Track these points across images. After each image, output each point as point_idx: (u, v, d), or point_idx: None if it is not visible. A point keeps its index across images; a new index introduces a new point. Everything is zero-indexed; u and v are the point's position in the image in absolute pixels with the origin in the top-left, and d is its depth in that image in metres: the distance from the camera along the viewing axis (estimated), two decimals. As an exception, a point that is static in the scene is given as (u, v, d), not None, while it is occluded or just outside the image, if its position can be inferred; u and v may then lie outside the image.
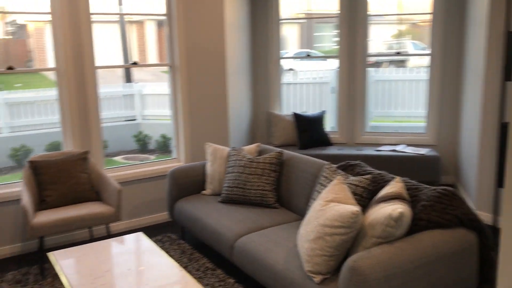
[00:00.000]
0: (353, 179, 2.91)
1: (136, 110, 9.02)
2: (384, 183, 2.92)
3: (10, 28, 11.66)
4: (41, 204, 3.68)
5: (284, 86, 7.36)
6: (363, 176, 2.89)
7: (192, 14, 4.51)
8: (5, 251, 3.90)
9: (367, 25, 5.37)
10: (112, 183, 3.72)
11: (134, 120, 9.00)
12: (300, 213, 3.53)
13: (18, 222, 3.93)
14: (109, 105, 8.85)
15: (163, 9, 4.44)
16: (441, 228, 2.57)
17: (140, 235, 3.23)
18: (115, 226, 4.36)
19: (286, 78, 7.79)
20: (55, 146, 6.79)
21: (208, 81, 4.71)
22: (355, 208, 2.46)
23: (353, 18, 5.33)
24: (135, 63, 4.33)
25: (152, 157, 8.00)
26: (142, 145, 8.28)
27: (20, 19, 11.07)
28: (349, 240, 2.48)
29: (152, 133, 8.44)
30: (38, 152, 6.60)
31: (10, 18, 11.22)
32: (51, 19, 3.92)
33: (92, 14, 4.08)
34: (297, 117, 5.44)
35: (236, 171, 3.73)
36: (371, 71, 7.92)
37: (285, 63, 10.58)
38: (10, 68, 3.81)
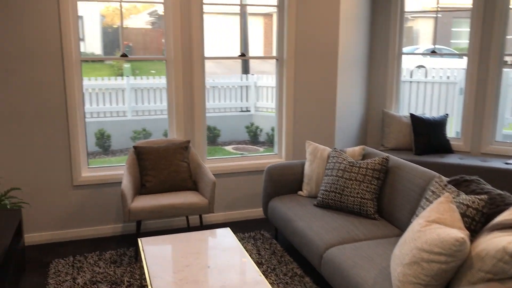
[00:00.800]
0: (464, 198, 2.49)
1: (250, 102, 9.08)
2: (504, 206, 2.45)
3: (151, 19, 12.51)
4: (142, 188, 3.79)
5: (407, 84, 6.82)
6: (478, 196, 2.46)
7: (305, 5, 4.30)
8: (109, 229, 4.10)
9: (507, 20, 4.68)
10: (208, 174, 3.69)
11: (248, 111, 9.07)
12: (402, 228, 3.16)
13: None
14: (226, 95, 9.03)
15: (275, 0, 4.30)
16: None
17: (227, 231, 3.14)
18: (210, 217, 4.36)
19: (413, 75, 7.19)
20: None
21: (316, 76, 4.47)
22: (461, 234, 2.08)
23: (490, 12, 4.68)
24: (243, 55, 4.25)
25: (261, 149, 7.99)
26: (253, 136, 8.30)
27: (160, 10, 11.80)
28: (450, 270, 2.11)
29: (264, 126, 8.43)
30: (157, 137, 6.94)
31: (152, 9, 12.02)
32: (163, 9, 3.99)
33: (205, 4, 4.07)
34: (415, 119, 4.96)
35: (335, 175, 3.46)
36: (509, 72, 6.98)
37: (414, 60, 9.86)
38: (123, 55, 3.96)
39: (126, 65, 11.08)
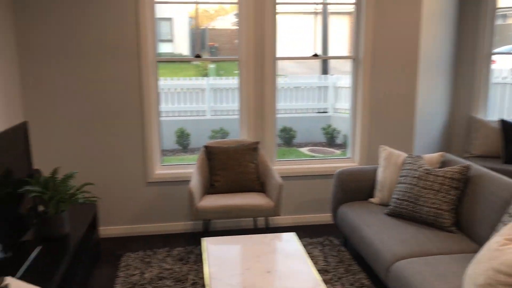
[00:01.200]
0: (554, 215, 2.21)
1: (329, 103, 8.89)
2: None
3: (237, 20, 12.77)
4: (210, 188, 3.82)
5: (499, 87, 6.30)
6: None
7: (384, 2, 4.10)
8: (179, 226, 4.19)
9: None
10: (275, 176, 3.64)
11: (326, 112, 8.89)
12: (481, 244, 2.89)
13: (192, 202, 4.16)
14: (304, 96, 8.92)
15: (352, -2, 4.14)
16: None
17: (292, 235, 3.06)
18: (277, 219, 4.30)
19: (508, 77, 6.62)
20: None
21: (394, 77, 4.25)
22: (545, 257, 1.84)
23: None
24: (316, 55, 4.14)
25: (338, 151, 7.79)
26: (330, 138, 8.12)
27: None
28: (532, 297, 1.88)
29: (341, 127, 8.21)
30: (233, 136, 7.01)
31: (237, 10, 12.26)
32: (237, 9, 3.99)
33: (279, 4, 4.02)
34: (505, 125, 4.55)
35: (409, 182, 3.25)
36: None
37: (508, 60, 9.12)
38: (197, 56, 4.02)
39: (212, 66, 11.36)
